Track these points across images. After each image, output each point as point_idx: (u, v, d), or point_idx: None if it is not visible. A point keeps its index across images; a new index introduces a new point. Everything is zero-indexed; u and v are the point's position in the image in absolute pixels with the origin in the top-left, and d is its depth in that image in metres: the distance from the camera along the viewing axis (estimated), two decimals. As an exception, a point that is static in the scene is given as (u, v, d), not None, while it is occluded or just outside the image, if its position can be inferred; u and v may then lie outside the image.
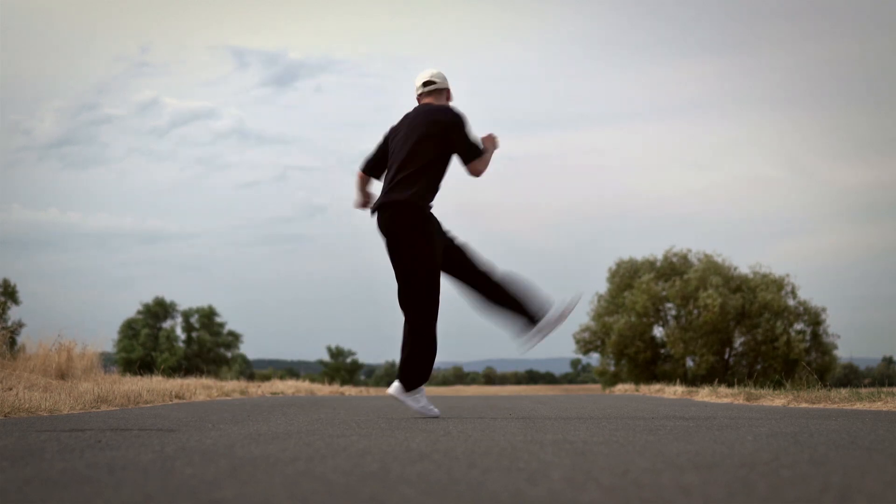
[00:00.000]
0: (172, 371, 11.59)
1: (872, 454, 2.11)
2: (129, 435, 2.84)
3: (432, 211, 4.33)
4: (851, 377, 41.10)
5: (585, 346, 36.21)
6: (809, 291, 44.99)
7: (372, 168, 4.63)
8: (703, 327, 33.12)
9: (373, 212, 4.39)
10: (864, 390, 6.73)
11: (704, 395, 8.80)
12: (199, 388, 9.05)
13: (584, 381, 74.66)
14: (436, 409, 4.53)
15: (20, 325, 10.19)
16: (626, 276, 35.90)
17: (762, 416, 4.21)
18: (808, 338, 33.96)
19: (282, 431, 3.08)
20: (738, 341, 34.30)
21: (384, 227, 4.31)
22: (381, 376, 79.52)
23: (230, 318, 53.61)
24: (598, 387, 38.72)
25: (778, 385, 8.15)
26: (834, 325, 35.20)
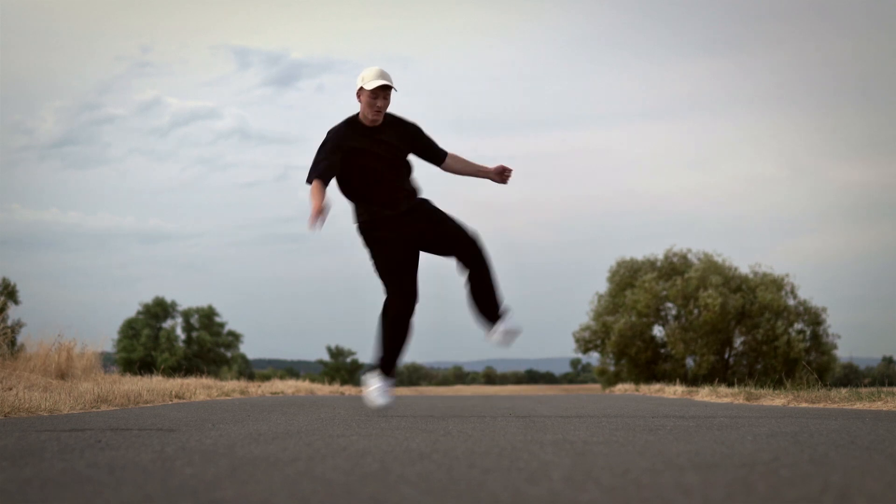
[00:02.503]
0: (172, 371, 11.57)
1: (872, 454, 2.11)
2: (129, 435, 2.84)
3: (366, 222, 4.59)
4: (851, 377, 41.05)
5: (585, 345, 36.20)
6: (809, 291, 44.86)
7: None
8: (703, 327, 33.11)
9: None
10: (864, 390, 6.73)
11: (704, 394, 8.80)
12: (199, 388, 9.04)
13: (584, 381, 74.59)
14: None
15: (20, 324, 10.19)
16: (626, 276, 35.88)
17: (762, 416, 4.21)
18: (808, 338, 33.96)
19: (282, 431, 3.08)
20: (739, 341, 34.30)
21: None
22: (381, 376, 79.25)
23: (230, 318, 53.52)
24: (598, 387, 38.68)
25: (778, 385, 8.14)
26: (834, 325, 35.13)
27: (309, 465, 1.89)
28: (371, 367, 4.68)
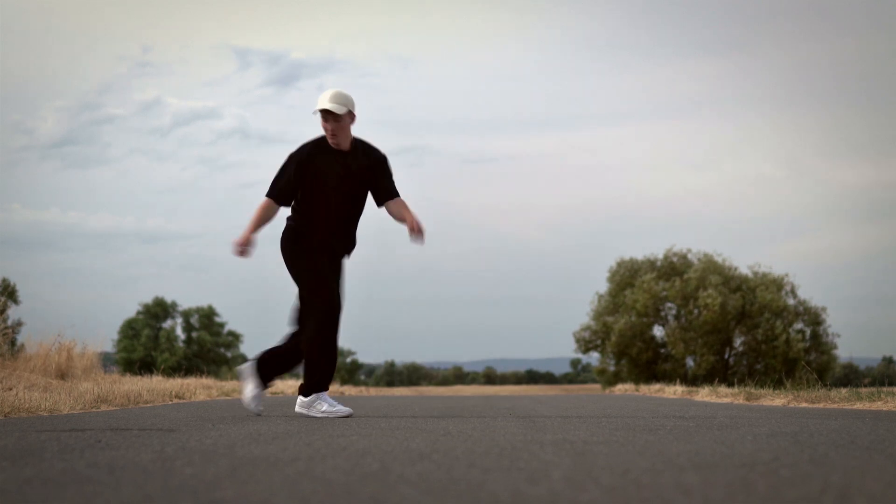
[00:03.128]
0: (172, 371, 11.58)
1: (872, 454, 2.11)
2: (129, 435, 2.84)
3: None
4: (851, 377, 41.05)
5: (585, 345, 36.21)
6: (809, 291, 44.91)
7: None
8: (703, 327, 33.11)
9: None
10: (864, 390, 6.73)
11: (704, 394, 8.80)
12: (199, 388, 9.04)
13: (584, 381, 74.59)
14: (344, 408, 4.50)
15: (20, 324, 10.19)
16: (626, 276, 35.89)
17: (762, 416, 4.21)
18: (807, 337, 33.97)
19: (282, 431, 3.08)
20: (738, 341, 34.30)
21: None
22: (380, 376, 79.57)
23: (230, 318, 53.50)
24: (598, 386, 38.69)
25: (778, 385, 8.15)
26: (834, 325, 35.12)
27: (309, 465, 1.89)
28: (311, 390, 4.49)
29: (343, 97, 4.41)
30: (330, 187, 4.44)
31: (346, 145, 4.46)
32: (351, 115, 4.45)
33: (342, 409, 4.43)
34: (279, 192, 4.47)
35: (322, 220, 4.47)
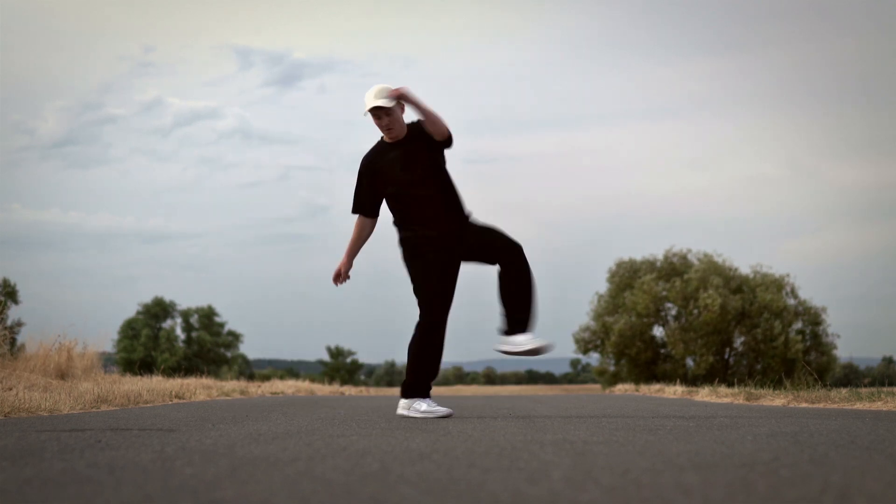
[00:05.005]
0: (172, 371, 11.58)
1: (872, 454, 2.11)
2: (129, 435, 2.84)
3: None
4: (851, 377, 41.00)
5: (585, 345, 36.20)
6: (809, 291, 44.88)
7: None
8: (703, 327, 33.12)
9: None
10: (864, 390, 6.73)
11: (704, 394, 8.80)
12: (199, 388, 9.04)
13: (584, 381, 74.54)
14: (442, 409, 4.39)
15: (20, 324, 10.20)
16: (625, 277, 35.89)
17: (762, 416, 4.21)
18: (808, 337, 33.99)
19: (282, 431, 3.08)
20: (738, 341, 34.31)
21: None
22: (381, 376, 79.53)
23: (230, 318, 53.47)
24: (598, 387, 38.68)
25: (778, 385, 8.14)
26: (834, 325, 35.13)
27: (309, 465, 1.89)
28: (410, 392, 4.40)
29: (387, 90, 4.32)
30: (403, 182, 4.32)
31: (402, 134, 4.33)
32: (401, 105, 4.34)
33: (441, 410, 4.32)
34: (360, 204, 4.43)
35: (419, 219, 4.34)
